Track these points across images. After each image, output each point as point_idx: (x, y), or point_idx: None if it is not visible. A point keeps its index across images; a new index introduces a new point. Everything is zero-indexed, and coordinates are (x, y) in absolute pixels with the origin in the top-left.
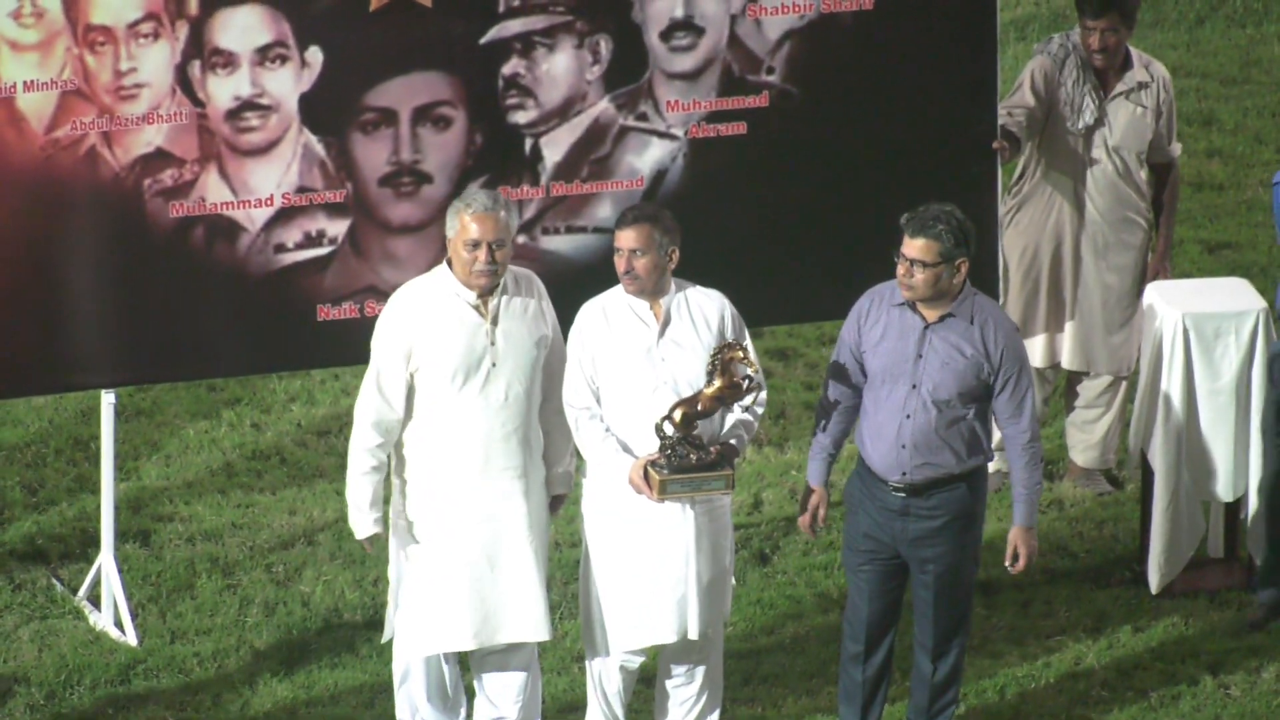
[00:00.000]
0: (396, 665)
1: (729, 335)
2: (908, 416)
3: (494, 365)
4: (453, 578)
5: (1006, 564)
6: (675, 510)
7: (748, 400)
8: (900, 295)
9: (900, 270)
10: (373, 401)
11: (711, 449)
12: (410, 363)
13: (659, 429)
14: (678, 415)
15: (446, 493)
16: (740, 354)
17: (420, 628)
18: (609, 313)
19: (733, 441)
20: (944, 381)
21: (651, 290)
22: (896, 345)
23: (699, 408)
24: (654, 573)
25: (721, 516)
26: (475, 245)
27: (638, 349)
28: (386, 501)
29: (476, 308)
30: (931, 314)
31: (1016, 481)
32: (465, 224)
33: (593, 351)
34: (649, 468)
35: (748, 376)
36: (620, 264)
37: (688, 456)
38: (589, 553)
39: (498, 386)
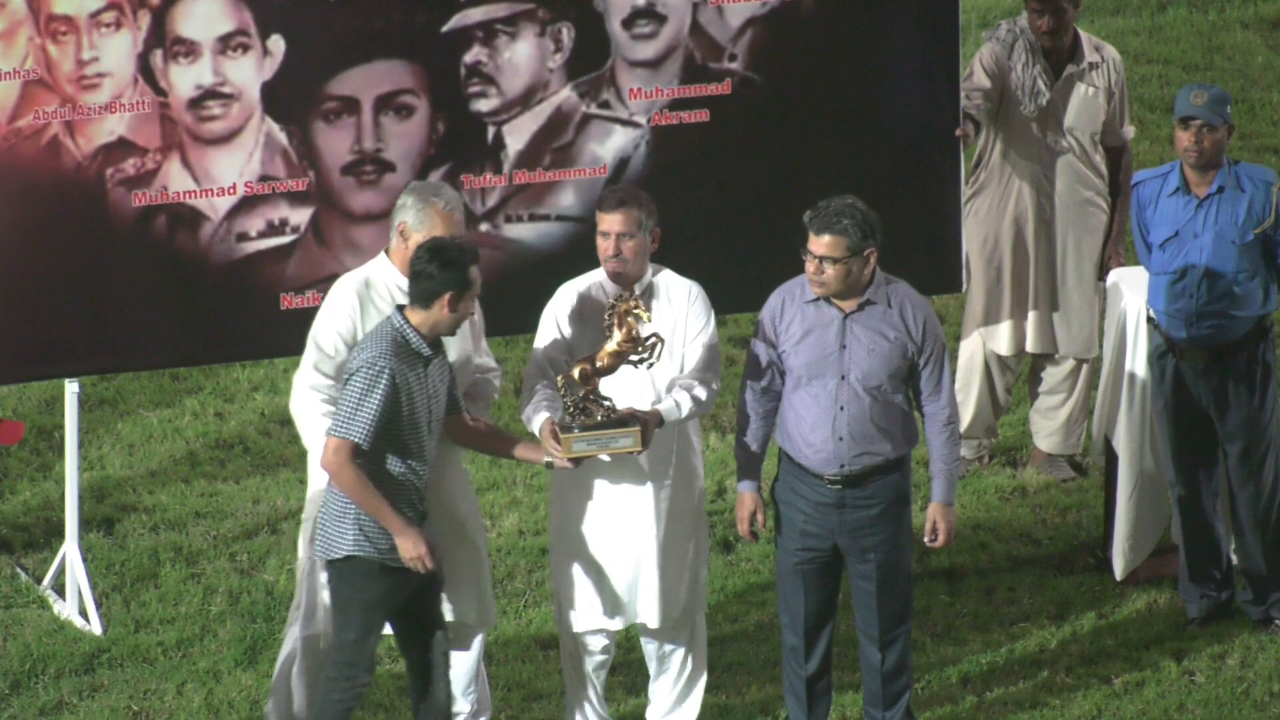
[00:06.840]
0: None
1: (692, 316)
2: (841, 408)
3: (445, 351)
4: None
5: (925, 539)
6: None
7: (651, 356)
8: (811, 292)
9: (810, 268)
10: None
11: (623, 409)
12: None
13: (562, 389)
14: (576, 373)
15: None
16: (634, 304)
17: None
18: (585, 296)
19: (660, 408)
20: (873, 368)
21: (633, 273)
22: (818, 340)
23: (598, 364)
24: (633, 554)
25: (695, 481)
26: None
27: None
28: None
29: None
30: (847, 304)
31: (937, 458)
32: (437, 221)
33: (567, 335)
34: (556, 428)
35: (645, 331)
36: (608, 247)
37: (593, 415)
38: (566, 536)
39: (446, 370)
